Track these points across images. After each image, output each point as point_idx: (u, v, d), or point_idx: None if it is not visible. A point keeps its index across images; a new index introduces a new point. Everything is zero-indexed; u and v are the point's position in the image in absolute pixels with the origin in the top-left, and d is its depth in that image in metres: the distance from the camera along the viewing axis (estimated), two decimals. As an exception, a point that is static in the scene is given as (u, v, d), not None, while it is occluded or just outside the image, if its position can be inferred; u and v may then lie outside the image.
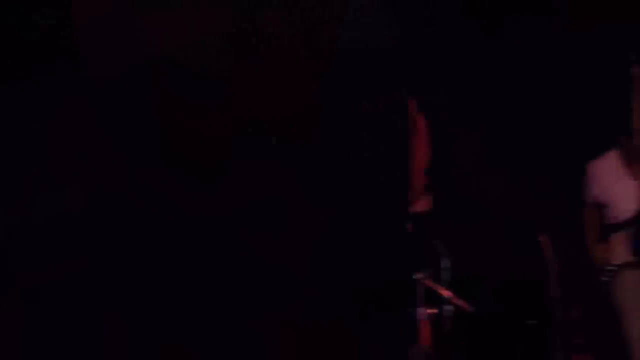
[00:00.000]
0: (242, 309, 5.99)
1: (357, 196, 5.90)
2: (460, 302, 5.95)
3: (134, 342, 5.94)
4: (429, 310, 5.84)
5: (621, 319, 5.47)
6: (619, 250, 5.43)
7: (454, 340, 5.94)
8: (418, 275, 5.85)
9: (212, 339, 6.01)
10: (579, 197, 5.78)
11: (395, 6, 5.55)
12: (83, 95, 5.98)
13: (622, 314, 5.46)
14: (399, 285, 5.17)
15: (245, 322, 5.98)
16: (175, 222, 5.98)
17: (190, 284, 6.01)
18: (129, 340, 5.94)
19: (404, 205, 4.95)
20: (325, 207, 5.93)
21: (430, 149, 4.19)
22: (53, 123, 6.00)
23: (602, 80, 5.86)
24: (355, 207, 5.92)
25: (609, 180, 5.56)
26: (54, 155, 6.03)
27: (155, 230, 5.95)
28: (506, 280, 6.49)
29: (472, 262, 6.21)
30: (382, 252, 5.85)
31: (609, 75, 5.45)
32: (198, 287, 6.01)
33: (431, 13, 6.12)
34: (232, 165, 5.99)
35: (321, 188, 5.96)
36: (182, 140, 5.97)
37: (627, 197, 4.87)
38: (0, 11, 5.94)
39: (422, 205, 4.31)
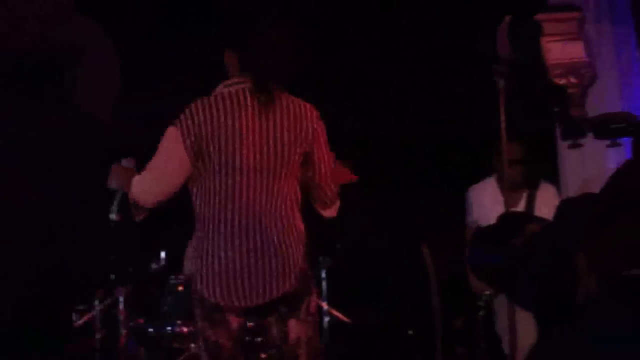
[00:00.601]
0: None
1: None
2: (337, 314, 5.93)
3: None
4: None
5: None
6: None
7: (332, 352, 5.92)
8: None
9: None
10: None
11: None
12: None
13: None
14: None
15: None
16: None
17: None
18: None
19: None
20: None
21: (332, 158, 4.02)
22: None
23: (473, 95, 5.86)
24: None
25: (486, 205, 5.52)
26: None
27: None
28: (386, 291, 6.49)
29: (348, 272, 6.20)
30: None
31: (476, 90, 5.43)
32: None
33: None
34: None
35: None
36: None
37: None
38: None
39: (331, 212, 4.13)
